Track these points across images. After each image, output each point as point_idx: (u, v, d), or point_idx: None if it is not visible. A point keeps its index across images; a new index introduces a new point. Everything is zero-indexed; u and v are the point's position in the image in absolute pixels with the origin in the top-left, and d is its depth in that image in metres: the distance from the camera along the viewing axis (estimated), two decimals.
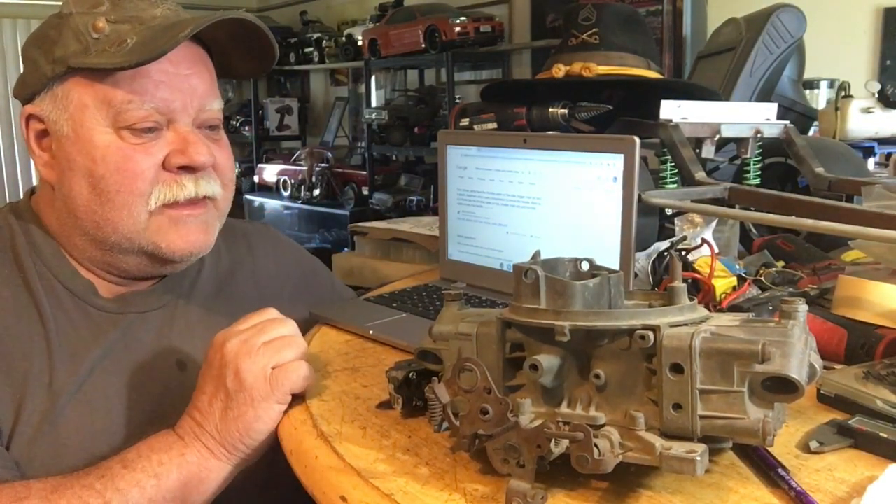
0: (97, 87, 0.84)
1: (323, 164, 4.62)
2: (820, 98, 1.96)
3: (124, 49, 0.82)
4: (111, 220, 0.85)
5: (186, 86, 0.86)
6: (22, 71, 0.91)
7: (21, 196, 0.97)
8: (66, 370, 0.83)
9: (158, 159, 0.85)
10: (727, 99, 1.44)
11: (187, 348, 0.93)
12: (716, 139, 1.13)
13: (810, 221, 0.83)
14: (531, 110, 1.27)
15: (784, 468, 0.56)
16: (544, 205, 1.02)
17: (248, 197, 5.04)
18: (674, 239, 1.03)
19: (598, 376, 0.55)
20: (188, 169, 0.86)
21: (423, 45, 3.87)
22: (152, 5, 0.87)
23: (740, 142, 1.17)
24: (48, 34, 0.86)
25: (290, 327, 0.78)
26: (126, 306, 0.91)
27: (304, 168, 4.64)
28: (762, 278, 0.97)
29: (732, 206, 1.01)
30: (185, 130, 0.87)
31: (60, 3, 0.88)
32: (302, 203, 4.67)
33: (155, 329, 0.92)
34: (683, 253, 0.97)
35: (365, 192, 4.37)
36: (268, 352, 0.74)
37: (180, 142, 0.86)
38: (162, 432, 0.77)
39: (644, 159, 1.12)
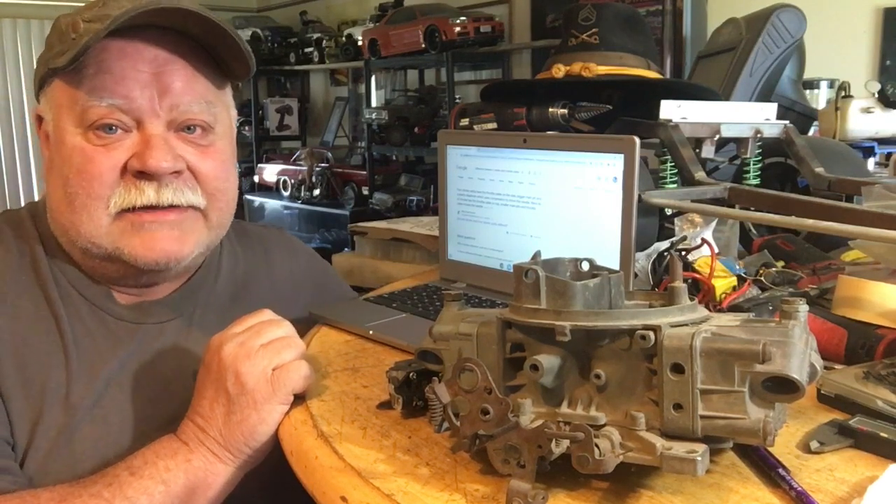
0: (67, 87, 0.82)
1: (323, 164, 4.62)
2: (820, 98, 1.96)
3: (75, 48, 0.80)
4: (75, 224, 0.83)
5: (157, 84, 0.82)
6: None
7: (22, 198, 0.97)
8: (82, 383, 0.82)
9: (119, 162, 0.81)
10: (727, 99, 1.44)
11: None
12: (716, 139, 1.13)
13: (810, 221, 0.83)
14: (531, 110, 1.27)
15: (784, 468, 0.56)
16: (544, 205, 1.02)
17: (248, 197, 5.04)
18: (674, 239, 1.03)
19: (598, 376, 0.55)
20: (149, 175, 0.82)
21: (423, 45, 3.87)
22: (131, 0, 0.82)
23: (740, 142, 1.17)
24: (48, 37, 0.87)
25: (287, 328, 0.78)
26: (143, 317, 0.90)
27: (304, 168, 4.64)
28: (762, 278, 0.97)
29: (732, 206, 1.01)
30: (150, 133, 0.82)
31: (60, 3, 0.88)
32: (302, 203, 4.67)
33: (171, 340, 0.90)
34: (683, 253, 0.97)
35: (365, 192, 4.37)
36: (267, 353, 0.74)
37: (142, 145, 0.82)
38: (165, 438, 0.77)
39: (644, 159, 1.12)
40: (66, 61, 0.79)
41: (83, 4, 0.86)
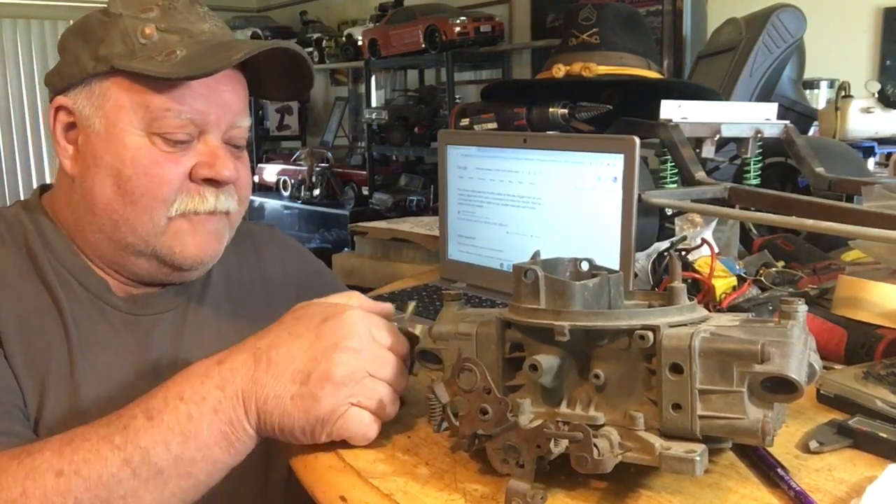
0: (137, 91, 0.84)
1: (323, 164, 4.63)
2: (820, 98, 1.97)
3: (173, 60, 0.83)
4: (130, 222, 0.86)
5: (222, 101, 0.88)
6: (59, 61, 0.90)
7: (23, 197, 0.97)
8: (85, 363, 0.83)
9: (186, 169, 0.86)
10: (727, 99, 1.44)
11: (197, 351, 0.92)
12: (716, 139, 1.13)
13: (810, 221, 0.83)
14: (531, 110, 1.28)
15: (783, 468, 0.56)
16: (544, 205, 1.02)
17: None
18: (674, 239, 1.03)
19: (597, 376, 0.55)
20: (212, 182, 0.88)
21: (423, 45, 3.88)
22: (201, 19, 0.88)
23: (740, 142, 1.17)
24: (94, 31, 0.86)
25: (400, 379, 0.68)
26: (140, 308, 0.91)
27: (304, 168, 4.64)
28: (762, 278, 0.97)
29: (732, 206, 1.01)
30: (214, 145, 0.88)
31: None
32: (302, 203, 4.67)
33: (167, 331, 0.92)
34: (683, 253, 0.97)
35: (365, 192, 4.38)
36: (363, 389, 0.65)
37: (209, 155, 0.87)
38: (197, 371, 0.68)
39: (644, 159, 1.12)
40: (180, 74, 0.81)
41: (102, 2, 0.87)
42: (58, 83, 0.88)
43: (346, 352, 0.64)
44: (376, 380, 0.65)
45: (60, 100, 0.87)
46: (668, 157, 1.11)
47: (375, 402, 0.65)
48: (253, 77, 0.94)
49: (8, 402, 0.78)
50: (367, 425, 0.64)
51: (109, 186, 0.85)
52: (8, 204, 1.01)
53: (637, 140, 0.91)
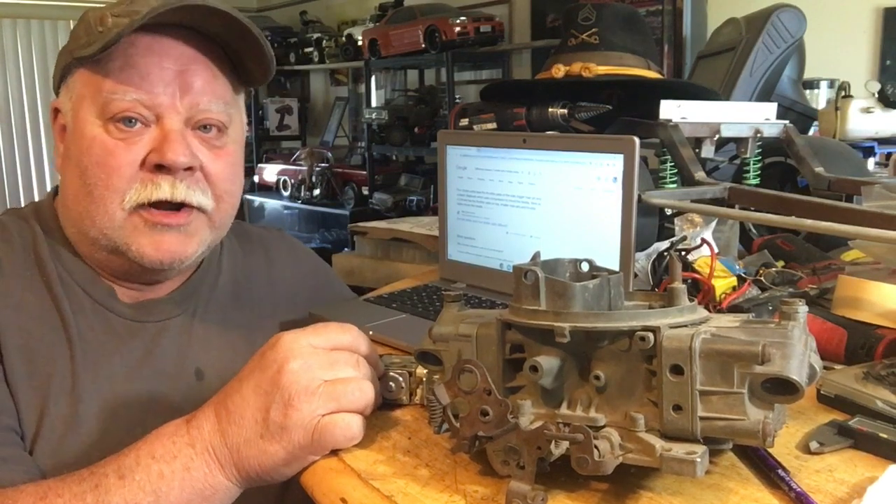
0: (91, 79, 0.84)
1: (323, 164, 4.63)
2: (820, 98, 1.97)
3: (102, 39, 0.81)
4: (90, 214, 0.84)
5: (179, 81, 0.84)
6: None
7: (22, 197, 0.97)
8: (87, 376, 0.82)
9: (138, 157, 0.83)
10: (727, 99, 1.44)
11: (205, 356, 0.92)
12: (716, 139, 1.13)
13: (810, 221, 0.83)
14: (531, 110, 1.27)
15: (784, 469, 0.56)
16: (544, 205, 1.02)
17: (248, 197, 5.04)
18: (674, 239, 1.03)
19: (598, 377, 0.55)
20: (165, 169, 0.83)
21: (423, 45, 3.88)
22: (163, 4, 0.84)
23: (740, 142, 1.17)
24: (74, 29, 0.87)
25: (363, 368, 0.68)
26: (146, 315, 0.90)
27: (304, 168, 4.65)
28: (762, 278, 0.97)
29: (732, 206, 1.01)
30: (168, 129, 0.83)
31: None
32: (302, 203, 4.68)
33: (174, 337, 0.91)
34: (683, 253, 0.97)
35: (365, 192, 4.38)
36: (325, 397, 0.64)
37: (160, 140, 0.83)
38: (167, 431, 0.68)
39: (644, 159, 1.12)
40: (94, 50, 0.80)
41: (101, 2, 0.88)
42: (55, 86, 0.90)
43: (291, 373, 0.64)
44: (335, 383, 0.65)
45: (53, 102, 0.89)
46: (668, 157, 1.11)
47: (344, 403, 0.64)
48: (240, 67, 0.91)
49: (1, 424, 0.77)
50: (345, 427, 0.64)
51: (76, 180, 0.84)
52: (8, 204, 1.01)
53: (637, 140, 0.91)
